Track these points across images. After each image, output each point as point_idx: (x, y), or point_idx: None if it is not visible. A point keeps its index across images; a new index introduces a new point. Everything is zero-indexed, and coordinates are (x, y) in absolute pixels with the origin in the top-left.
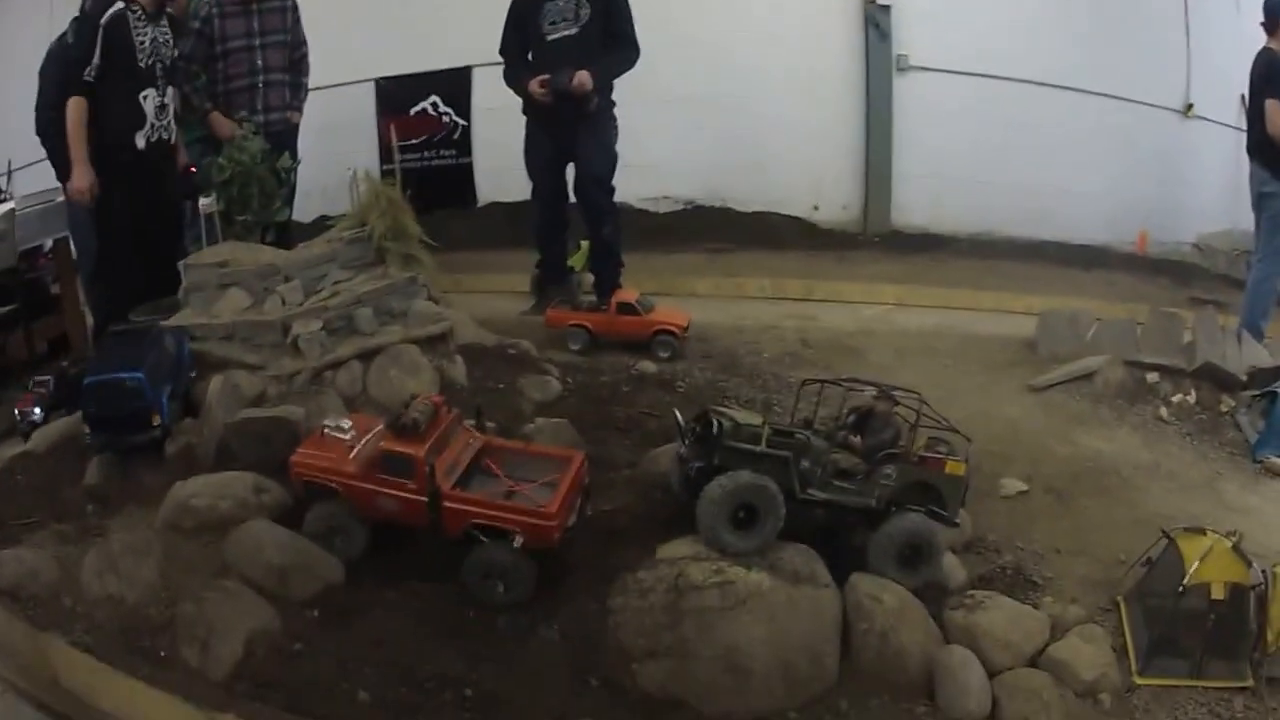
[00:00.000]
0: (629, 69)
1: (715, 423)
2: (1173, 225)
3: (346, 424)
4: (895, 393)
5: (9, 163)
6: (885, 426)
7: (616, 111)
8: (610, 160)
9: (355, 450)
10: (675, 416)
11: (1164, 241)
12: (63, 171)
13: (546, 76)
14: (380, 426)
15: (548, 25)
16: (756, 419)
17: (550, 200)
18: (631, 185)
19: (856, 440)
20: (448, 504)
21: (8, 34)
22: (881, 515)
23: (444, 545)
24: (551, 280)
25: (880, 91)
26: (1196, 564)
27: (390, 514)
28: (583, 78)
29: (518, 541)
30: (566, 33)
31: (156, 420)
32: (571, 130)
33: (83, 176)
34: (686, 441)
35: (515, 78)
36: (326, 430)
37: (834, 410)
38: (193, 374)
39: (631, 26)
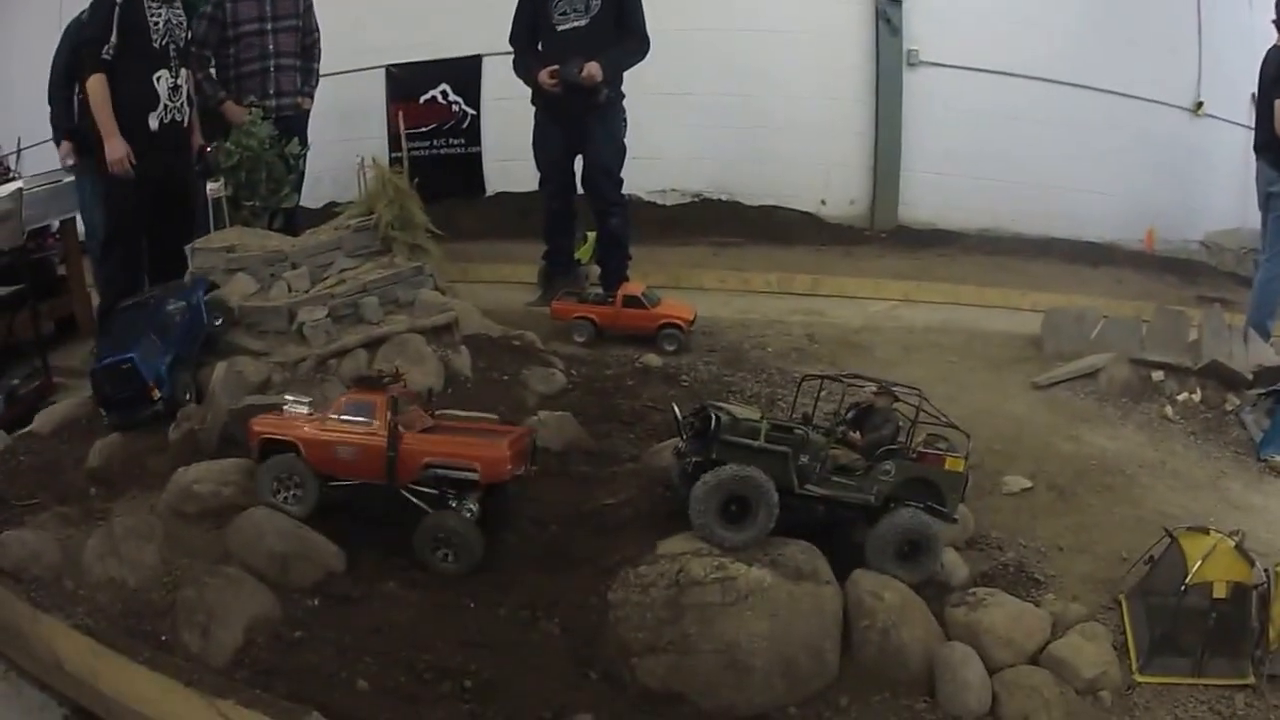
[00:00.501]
0: (639, 61)
1: (713, 417)
2: (1181, 223)
3: (306, 400)
4: (895, 389)
5: (18, 140)
6: (884, 422)
7: (625, 104)
8: (619, 152)
9: (314, 415)
10: (674, 411)
11: (1172, 240)
12: (58, 134)
13: (556, 67)
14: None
15: (558, 16)
16: (755, 414)
17: (558, 191)
18: (639, 178)
19: (855, 436)
20: (405, 444)
21: (16, 17)
22: (880, 511)
23: None
24: (559, 272)
25: (890, 86)
26: (1199, 563)
27: (347, 465)
28: (592, 69)
29: (469, 512)
30: (576, 24)
31: (156, 394)
32: (580, 121)
33: (117, 147)
34: (685, 436)
35: (525, 68)
36: (286, 408)
37: (838, 407)
38: (219, 322)
39: (642, 19)
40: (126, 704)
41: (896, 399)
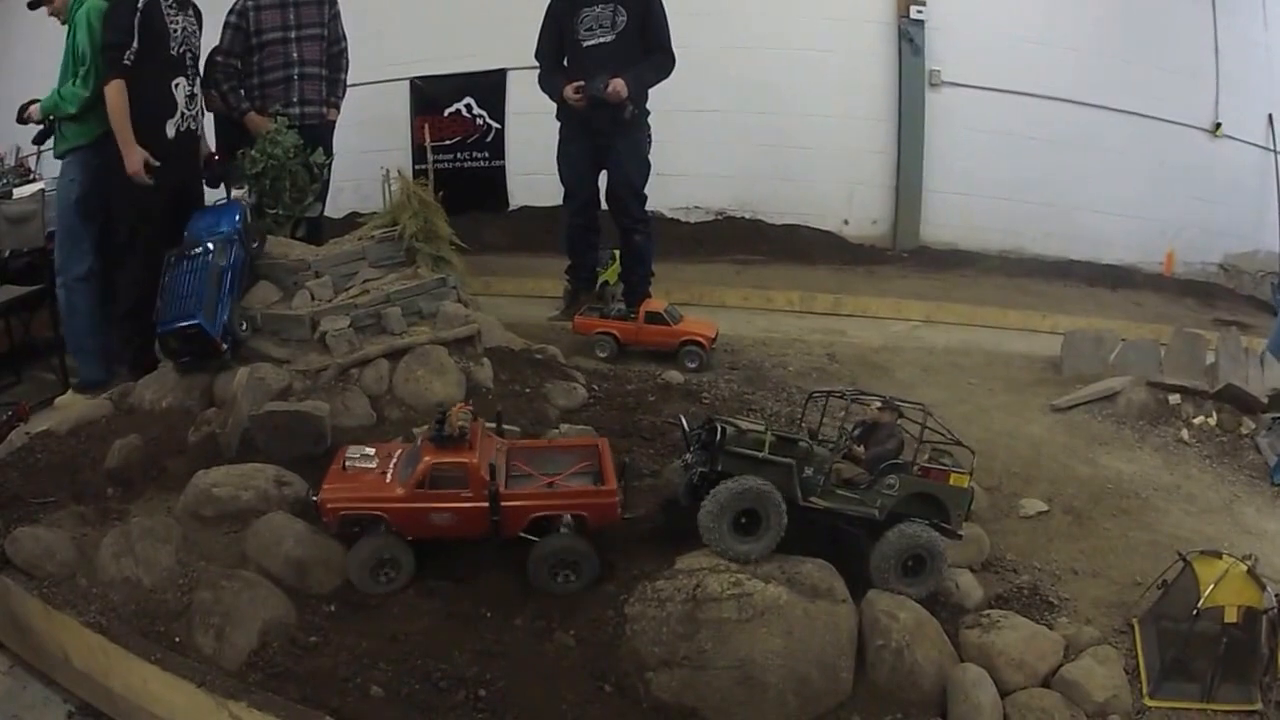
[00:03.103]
0: (664, 78)
1: (719, 429)
2: (1200, 245)
3: (370, 451)
4: (901, 405)
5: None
6: (889, 437)
7: (651, 121)
8: (643, 168)
9: (390, 474)
10: (681, 423)
11: (1191, 262)
12: None
13: (581, 83)
14: (400, 450)
15: (584, 31)
16: (760, 426)
17: (582, 207)
18: (663, 195)
19: (860, 450)
20: (507, 504)
21: (35, 17)
22: (885, 526)
23: (461, 545)
24: (581, 287)
25: (912, 106)
26: (1211, 587)
27: (443, 529)
28: (617, 85)
29: (566, 528)
30: (603, 40)
31: (223, 348)
32: (606, 137)
33: (135, 159)
34: (692, 448)
35: (550, 83)
36: (349, 462)
37: (842, 422)
38: (256, 245)
39: (668, 36)
40: (136, 702)
41: (901, 415)
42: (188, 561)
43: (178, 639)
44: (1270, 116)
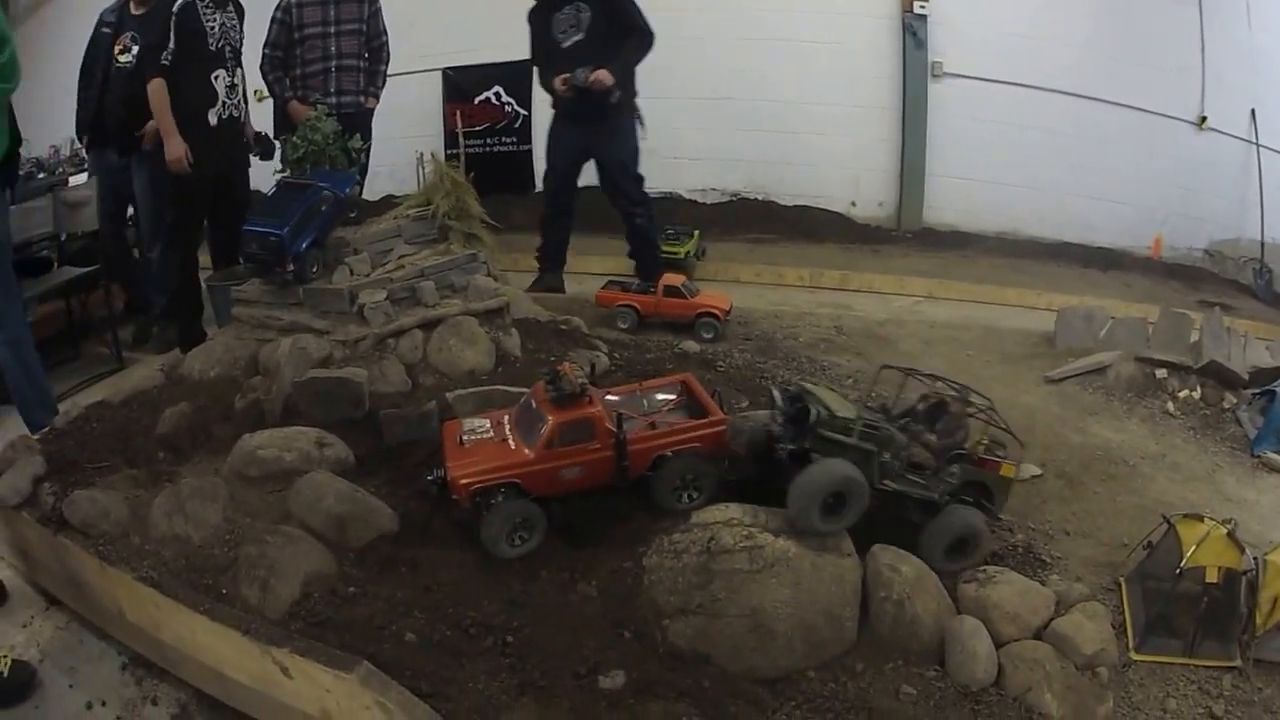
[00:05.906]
0: (645, 54)
1: (813, 411)
2: (1186, 231)
3: (483, 423)
4: (970, 396)
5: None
6: (957, 429)
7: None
8: (630, 146)
9: (512, 440)
10: (771, 392)
11: (1177, 247)
12: (79, 128)
13: (568, 75)
14: (508, 414)
15: (559, 35)
16: (850, 411)
17: (560, 187)
18: (681, 177)
19: (932, 439)
20: (635, 448)
21: (90, 15)
22: (939, 507)
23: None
24: (551, 266)
25: (916, 96)
26: (1194, 548)
27: (572, 482)
28: (600, 75)
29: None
30: (576, 39)
31: (290, 268)
32: (594, 122)
33: (176, 147)
34: (779, 420)
35: (545, 80)
36: (465, 437)
37: (892, 394)
38: (353, 214)
39: (637, 14)
40: (186, 652)
41: (970, 404)
42: (234, 519)
43: (225, 591)
44: (1253, 111)
